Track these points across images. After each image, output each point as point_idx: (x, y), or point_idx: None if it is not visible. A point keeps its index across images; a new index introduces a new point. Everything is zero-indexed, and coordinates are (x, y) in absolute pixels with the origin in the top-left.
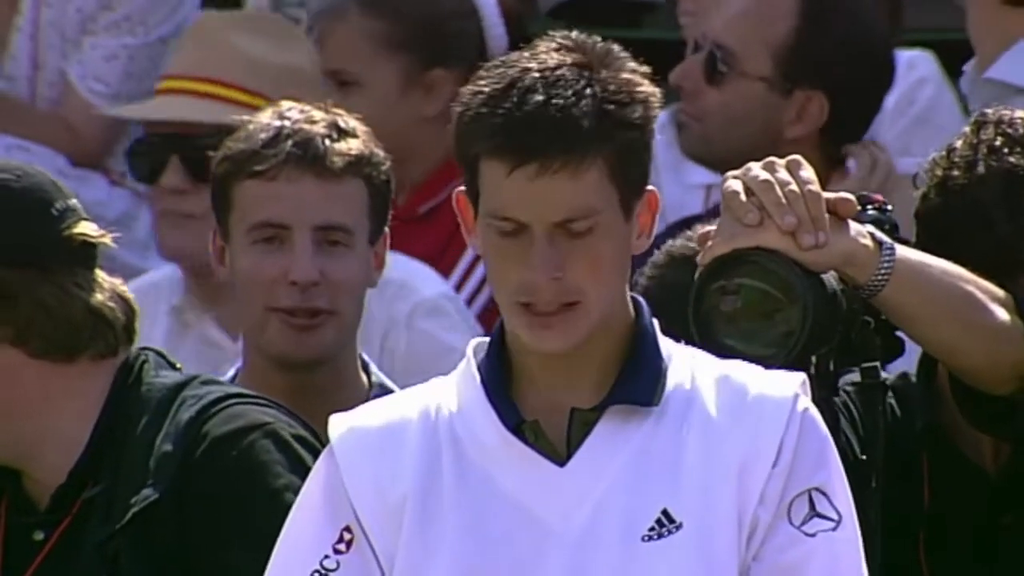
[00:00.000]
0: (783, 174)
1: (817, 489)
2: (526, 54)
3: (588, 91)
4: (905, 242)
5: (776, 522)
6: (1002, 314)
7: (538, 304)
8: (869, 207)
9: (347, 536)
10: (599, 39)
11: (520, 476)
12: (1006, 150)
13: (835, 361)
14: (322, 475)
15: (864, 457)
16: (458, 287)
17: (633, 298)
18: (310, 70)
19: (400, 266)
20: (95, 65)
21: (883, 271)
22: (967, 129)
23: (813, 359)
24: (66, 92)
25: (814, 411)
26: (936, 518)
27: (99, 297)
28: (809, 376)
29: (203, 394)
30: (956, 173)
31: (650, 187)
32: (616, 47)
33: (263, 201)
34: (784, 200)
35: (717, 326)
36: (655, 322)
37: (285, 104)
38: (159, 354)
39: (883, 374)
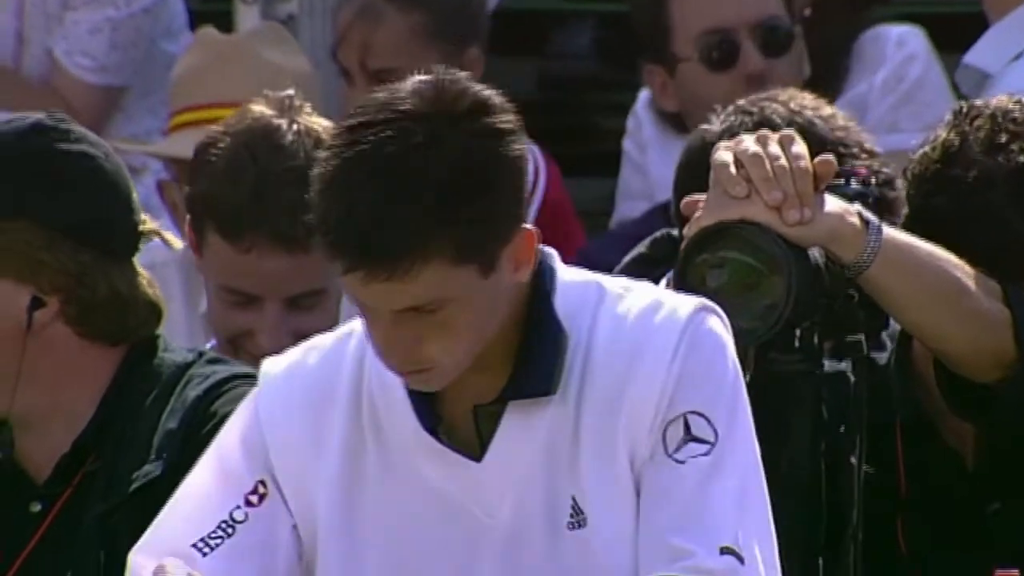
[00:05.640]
0: (774, 148)
1: (694, 412)
2: (378, 113)
3: (430, 171)
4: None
5: (654, 449)
6: (988, 302)
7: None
8: (852, 180)
9: (261, 489)
10: (462, 81)
11: (444, 471)
12: (1014, 147)
13: (819, 334)
14: (245, 422)
15: (843, 430)
16: None
17: (538, 266)
18: (310, 72)
19: None
20: (80, 40)
21: (869, 251)
22: (951, 120)
23: (797, 332)
24: (54, 69)
25: (703, 330)
26: (913, 504)
27: (151, 289)
28: (793, 349)
29: (210, 373)
30: (958, 171)
31: (525, 227)
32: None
33: (234, 270)
34: (772, 175)
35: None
36: (557, 270)
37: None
38: None
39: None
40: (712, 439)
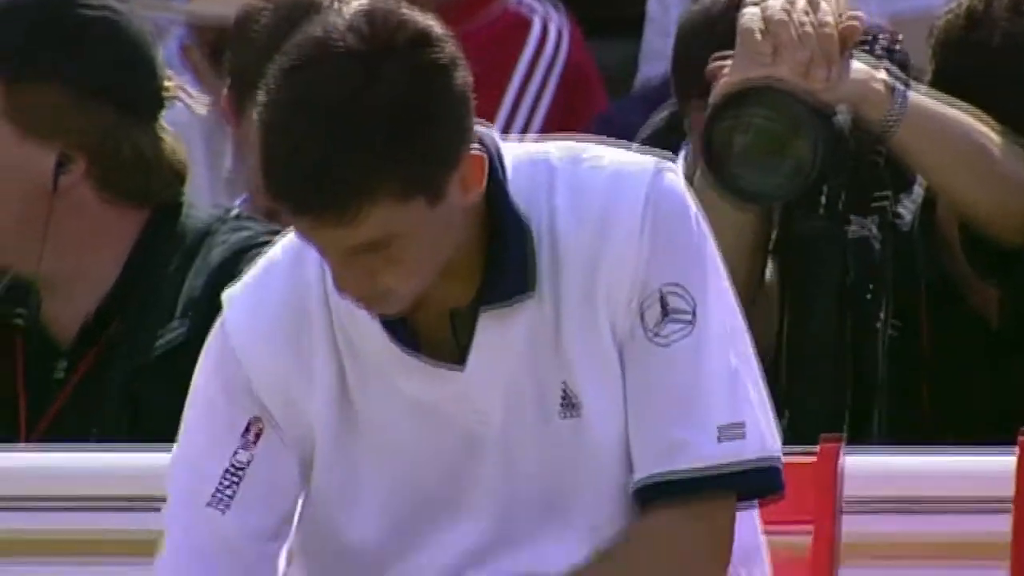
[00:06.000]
0: (800, 10)
1: (669, 284)
2: (314, 53)
3: (371, 112)
4: (916, 80)
5: (633, 328)
6: (1015, 165)
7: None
8: (880, 38)
9: (255, 427)
10: (399, 11)
11: (426, 385)
12: None
13: (844, 196)
14: (222, 363)
15: (870, 296)
16: (509, 116)
17: (490, 174)
18: None
19: None
20: None
21: (895, 113)
22: None
23: (823, 194)
24: None
25: (665, 190)
26: (938, 366)
27: (176, 151)
28: (818, 210)
29: (235, 235)
30: (983, 35)
31: (473, 151)
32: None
33: None
34: (798, 38)
35: (728, 161)
36: (504, 153)
37: None
38: None
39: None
40: (690, 311)
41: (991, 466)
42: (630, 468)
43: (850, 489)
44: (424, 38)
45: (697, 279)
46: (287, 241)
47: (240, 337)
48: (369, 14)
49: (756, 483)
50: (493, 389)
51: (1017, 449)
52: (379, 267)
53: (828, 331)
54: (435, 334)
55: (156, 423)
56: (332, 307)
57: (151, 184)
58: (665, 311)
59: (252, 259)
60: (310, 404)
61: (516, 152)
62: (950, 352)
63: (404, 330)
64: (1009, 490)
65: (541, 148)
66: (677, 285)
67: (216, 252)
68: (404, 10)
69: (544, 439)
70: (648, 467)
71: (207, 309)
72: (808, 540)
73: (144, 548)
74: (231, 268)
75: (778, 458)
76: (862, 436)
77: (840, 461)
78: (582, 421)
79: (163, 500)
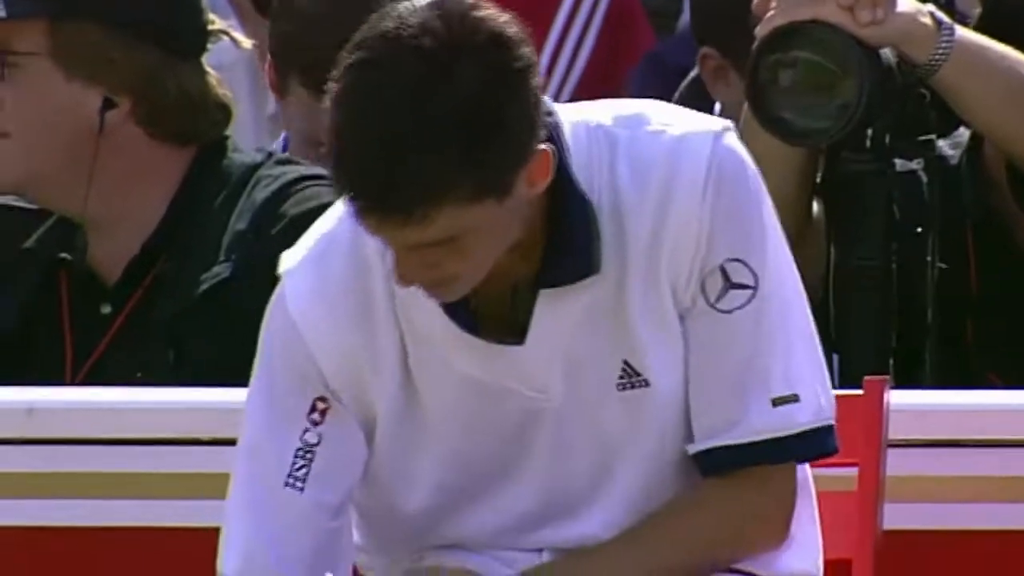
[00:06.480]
0: None
1: (730, 259)
2: (386, 50)
3: (444, 116)
4: (963, 21)
5: (695, 298)
6: None
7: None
8: None
9: (320, 405)
10: (474, 12)
11: (485, 362)
12: None
13: (890, 134)
14: (286, 343)
15: (920, 231)
16: (554, 55)
17: (555, 149)
18: None
19: None
20: None
21: (941, 51)
22: None
23: (869, 132)
24: None
25: (727, 156)
26: (983, 303)
27: (220, 90)
28: (864, 149)
29: (279, 174)
30: None
31: (541, 147)
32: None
33: (318, 124)
34: None
35: (773, 99)
36: (561, 123)
37: None
38: None
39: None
40: (752, 283)
41: None
42: (686, 436)
43: (896, 427)
44: (500, 40)
45: (758, 250)
46: (343, 213)
47: (303, 314)
48: (445, 12)
49: (810, 447)
50: (552, 363)
51: None
52: (444, 259)
53: (874, 266)
54: (494, 310)
55: (200, 362)
56: (394, 286)
57: (197, 123)
58: (728, 282)
59: (296, 197)
60: (375, 381)
61: (573, 119)
62: (996, 291)
63: (463, 310)
64: None
65: (598, 114)
66: (738, 260)
67: (260, 191)
68: (479, 11)
69: (600, 411)
70: (707, 436)
71: (251, 247)
72: (855, 475)
73: (190, 487)
74: (276, 206)
75: (831, 421)
76: (913, 375)
77: (886, 397)
78: (645, 392)
79: (210, 441)
